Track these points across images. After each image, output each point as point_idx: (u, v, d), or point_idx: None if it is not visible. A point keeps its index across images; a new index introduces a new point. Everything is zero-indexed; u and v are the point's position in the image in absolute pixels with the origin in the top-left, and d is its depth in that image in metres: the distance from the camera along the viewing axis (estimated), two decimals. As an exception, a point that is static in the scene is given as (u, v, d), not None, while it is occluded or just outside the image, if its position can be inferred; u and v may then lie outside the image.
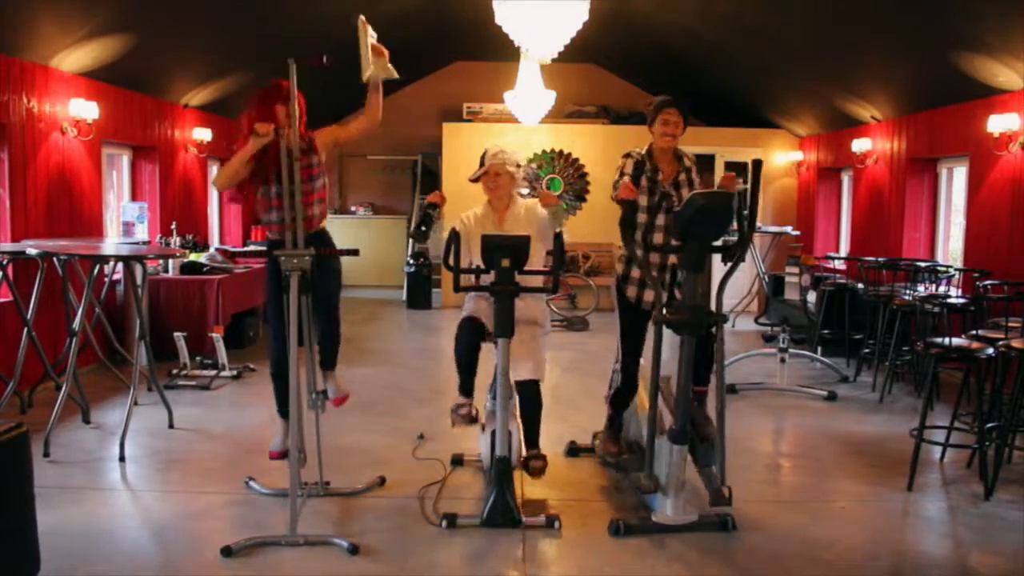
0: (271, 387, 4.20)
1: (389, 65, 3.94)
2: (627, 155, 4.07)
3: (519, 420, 4.22)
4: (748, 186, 4.00)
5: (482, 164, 4.26)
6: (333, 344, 4.17)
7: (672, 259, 4.13)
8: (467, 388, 4.25)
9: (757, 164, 3.92)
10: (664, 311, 3.79)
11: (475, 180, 4.29)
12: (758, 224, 4.39)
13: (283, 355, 3.90)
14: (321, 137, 3.97)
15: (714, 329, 3.84)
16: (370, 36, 3.86)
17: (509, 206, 4.29)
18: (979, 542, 3.77)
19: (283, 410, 4.07)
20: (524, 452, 4.19)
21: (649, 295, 4.09)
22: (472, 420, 4.27)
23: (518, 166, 4.29)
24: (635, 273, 4.15)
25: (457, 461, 4.59)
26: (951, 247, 8.14)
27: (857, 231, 9.46)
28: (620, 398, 4.39)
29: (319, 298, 3.95)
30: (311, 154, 3.89)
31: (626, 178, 3.92)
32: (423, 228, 4.12)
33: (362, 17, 3.84)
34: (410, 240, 12.05)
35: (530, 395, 4.17)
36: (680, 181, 4.09)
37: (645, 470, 3.84)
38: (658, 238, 4.06)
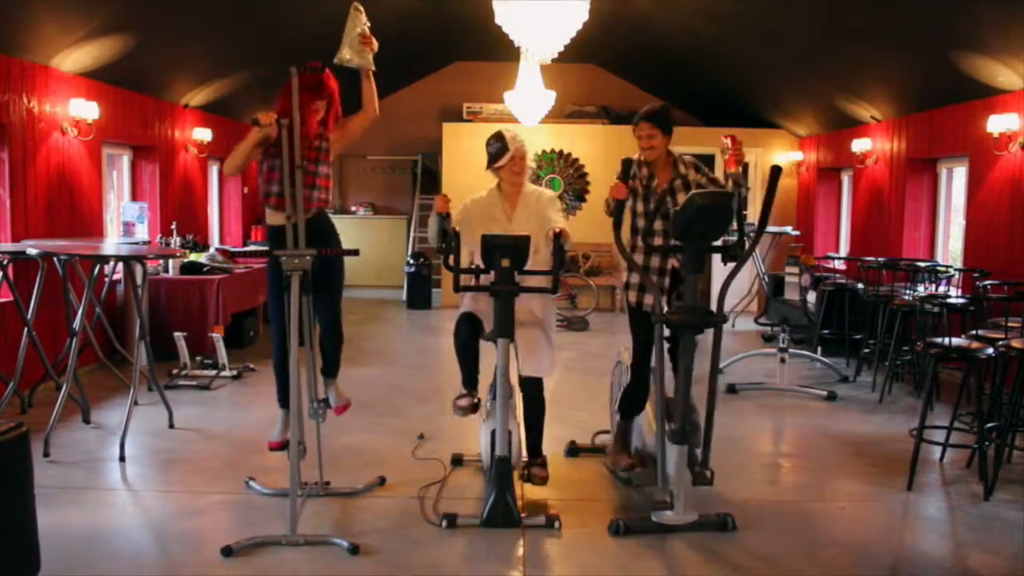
0: (271, 387, 4.20)
1: (369, 55, 3.88)
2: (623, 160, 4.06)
3: (520, 421, 4.20)
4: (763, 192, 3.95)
5: (503, 148, 4.06)
6: (335, 348, 4.13)
7: (672, 263, 4.13)
8: (469, 380, 4.21)
9: (776, 171, 3.81)
10: (664, 311, 3.79)
11: (499, 167, 4.10)
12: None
13: (286, 349, 3.89)
14: (332, 132, 3.97)
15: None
16: (363, 24, 3.84)
17: (520, 193, 4.20)
18: (979, 542, 3.77)
19: (283, 400, 4.07)
20: (525, 457, 4.16)
21: (649, 299, 4.07)
22: (472, 410, 4.18)
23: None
24: (634, 279, 4.15)
25: (457, 461, 4.59)
26: (951, 247, 8.13)
27: (857, 231, 9.46)
28: (630, 399, 4.31)
29: (320, 294, 3.93)
30: (321, 140, 3.88)
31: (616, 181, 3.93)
32: (444, 244, 3.99)
33: (357, 4, 3.85)
34: (410, 240, 12.06)
35: (533, 395, 4.13)
36: (675, 187, 4.09)
37: (659, 483, 3.81)
38: (656, 242, 4.07)
